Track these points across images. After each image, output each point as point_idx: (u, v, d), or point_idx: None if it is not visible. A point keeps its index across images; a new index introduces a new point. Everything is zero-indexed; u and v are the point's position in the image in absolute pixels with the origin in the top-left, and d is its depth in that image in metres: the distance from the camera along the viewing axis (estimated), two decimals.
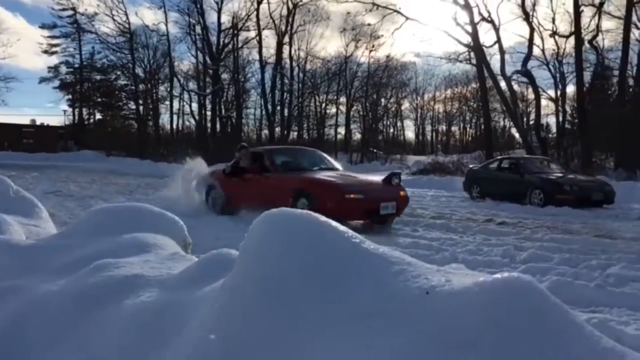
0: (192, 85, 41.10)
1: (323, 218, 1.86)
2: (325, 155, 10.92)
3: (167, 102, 42.02)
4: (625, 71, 24.00)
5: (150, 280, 2.30)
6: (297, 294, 1.64)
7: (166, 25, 38.08)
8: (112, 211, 3.53)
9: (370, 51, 38.50)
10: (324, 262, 1.70)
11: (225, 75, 38.28)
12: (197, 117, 39.32)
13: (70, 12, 39.96)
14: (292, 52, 37.77)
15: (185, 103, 42.79)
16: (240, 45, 37.59)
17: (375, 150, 36.80)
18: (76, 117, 43.22)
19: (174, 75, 39.29)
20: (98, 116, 43.69)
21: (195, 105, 40.47)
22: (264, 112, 38.32)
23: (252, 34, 36.63)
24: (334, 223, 1.86)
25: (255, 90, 41.08)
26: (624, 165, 20.38)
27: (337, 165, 10.32)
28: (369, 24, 34.92)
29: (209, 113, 38.45)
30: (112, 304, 2.26)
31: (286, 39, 36.31)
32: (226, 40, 37.10)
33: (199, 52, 38.10)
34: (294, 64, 38.41)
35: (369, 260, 1.69)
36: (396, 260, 1.68)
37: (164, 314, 2.02)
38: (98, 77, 42.62)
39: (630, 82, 24.76)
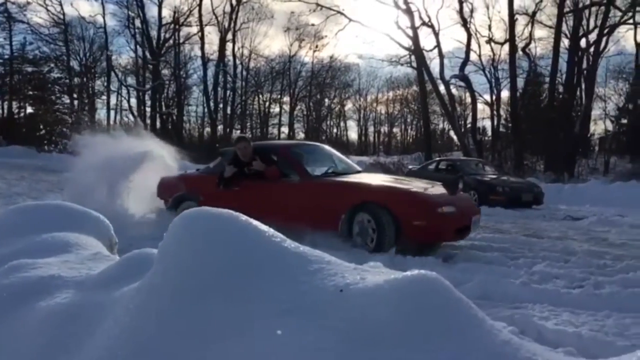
0: (130, 80, 39.94)
1: (244, 217, 1.85)
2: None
3: (104, 97, 40.71)
4: (555, 78, 25.28)
5: (67, 281, 2.21)
6: (214, 293, 1.62)
7: (103, 17, 37.09)
8: (32, 209, 3.32)
9: (314, 51, 38.88)
10: (242, 261, 1.69)
11: (165, 71, 37.43)
12: (135, 113, 38.24)
13: (1, 1, 37.94)
14: (236, 49, 37.43)
15: (123, 98, 41.60)
16: (182, 40, 36.93)
17: None
18: (5, 111, 41.04)
19: (111, 69, 38.11)
20: (29, 110, 41.60)
21: (134, 101, 39.45)
22: (206, 110, 37.77)
23: (194, 29, 36.09)
24: (254, 222, 1.85)
25: (197, 87, 40.43)
26: (552, 168, 21.44)
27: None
28: (312, 24, 35.45)
29: (148, 109, 37.50)
30: (26, 306, 2.15)
31: (229, 36, 35.93)
32: (167, 35, 36.31)
33: (138, 47, 37.13)
34: (238, 61, 38.09)
35: (287, 259, 1.69)
36: (315, 259, 1.69)
37: (79, 316, 1.94)
38: (29, 69, 40.43)
39: (560, 88, 26.07)
